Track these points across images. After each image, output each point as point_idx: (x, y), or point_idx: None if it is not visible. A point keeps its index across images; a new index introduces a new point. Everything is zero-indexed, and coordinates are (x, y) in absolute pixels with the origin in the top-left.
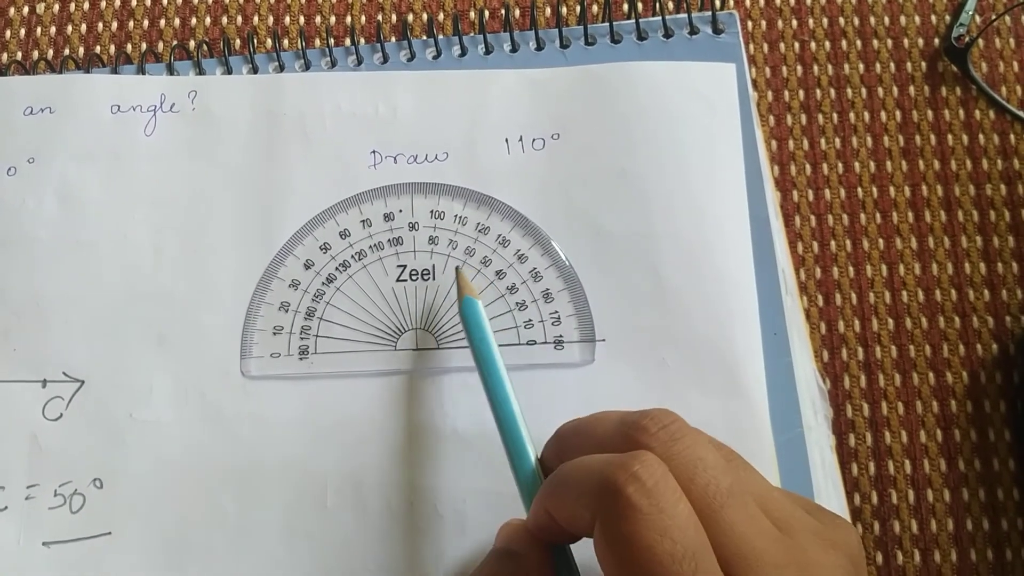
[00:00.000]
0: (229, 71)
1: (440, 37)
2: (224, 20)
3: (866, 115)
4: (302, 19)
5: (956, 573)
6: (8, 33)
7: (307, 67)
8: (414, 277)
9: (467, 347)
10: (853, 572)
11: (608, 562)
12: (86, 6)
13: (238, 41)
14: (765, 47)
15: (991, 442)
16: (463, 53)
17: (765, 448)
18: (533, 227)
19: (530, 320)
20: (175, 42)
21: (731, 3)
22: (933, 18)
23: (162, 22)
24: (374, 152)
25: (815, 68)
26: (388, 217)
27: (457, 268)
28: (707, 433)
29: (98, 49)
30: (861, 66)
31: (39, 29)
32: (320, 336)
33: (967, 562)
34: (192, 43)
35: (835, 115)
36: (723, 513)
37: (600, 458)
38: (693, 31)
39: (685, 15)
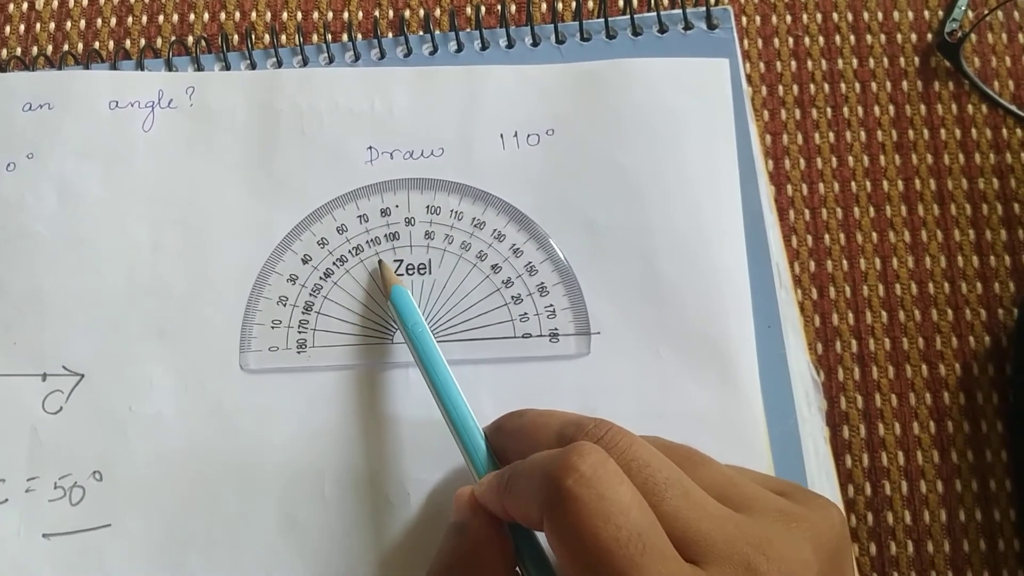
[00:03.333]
0: (227, 67)
1: (436, 33)
2: (222, 16)
3: (859, 110)
4: (300, 15)
5: (949, 564)
6: (8, 29)
7: (305, 63)
8: (410, 271)
9: (466, 340)
10: (819, 547)
11: (560, 554)
12: (85, 2)
13: (236, 37)
14: (759, 42)
15: (983, 433)
16: (459, 49)
17: (759, 439)
18: (528, 222)
19: (525, 314)
20: (173, 38)
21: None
22: (926, 13)
23: (160, 18)
24: (371, 148)
25: (809, 63)
26: (385, 212)
27: (380, 260)
28: (660, 437)
29: (97, 45)
30: (855, 61)
31: (38, 25)
32: (318, 330)
33: (960, 552)
34: (190, 39)
35: (829, 110)
36: (664, 505)
37: (544, 454)
38: (687, 27)
39: (680, 11)
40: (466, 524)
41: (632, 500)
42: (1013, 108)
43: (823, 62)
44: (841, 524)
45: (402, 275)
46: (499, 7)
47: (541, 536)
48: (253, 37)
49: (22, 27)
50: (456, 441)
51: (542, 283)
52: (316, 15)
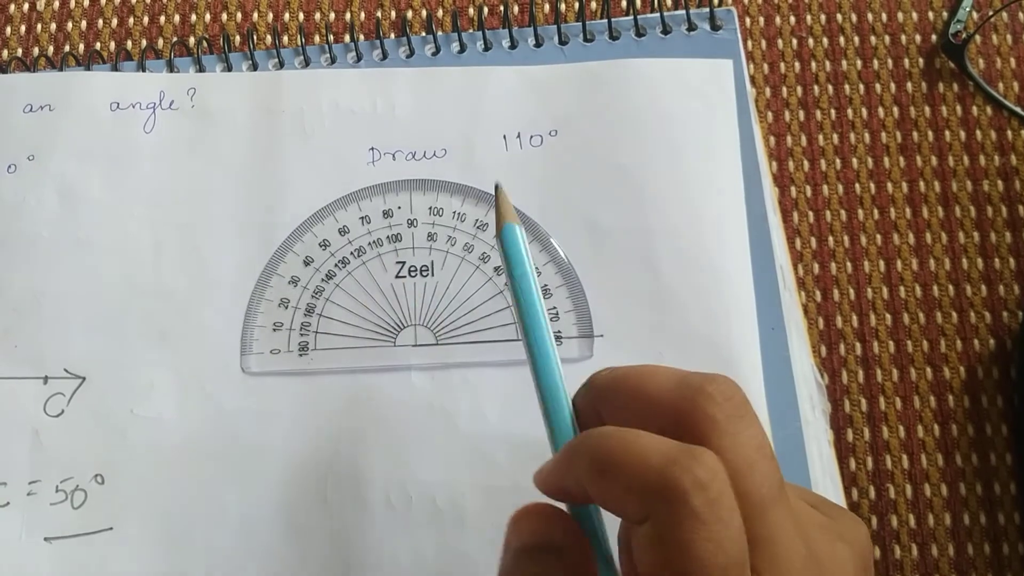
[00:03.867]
0: (229, 68)
1: (439, 34)
2: (224, 17)
3: (864, 111)
4: (302, 16)
5: (954, 567)
6: (8, 30)
7: (307, 64)
8: (413, 273)
9: (469, 343)
10: (861, 565)
11: (652, 560)
12: (86, 3)
13: (238, 38)
14: (763, 43)
15: (988, 437)
16: (462, 50)
17: None
18: (531, 224)
19: None
20: (175, 39)
21: (729, 0)
22: (930, 14)
23: (162, 19)
24: (373, 149)
25: (813, 64)
26: (387, 214)
27: (497, 185)
28: None
29: (98, 46)
30: (859, 62)
31: (39, 26)
32: (320, 332)
33: (964, 556)
34: (192, 40)
35: (833, 111)
36: (770, 514)
37: (657, 448)
38: (691, 27)
39: (683, 11)
40: (559, 547)
41: (740, 530)
42: (1018, 110)
43: (827, 63)
44: (869, 539)
45: (404, 277)
46: (502, 8)
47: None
48: (255, 38)
49: (23, 28)
50: (542, 411)
51: (545, 285)
52: (318, 16)
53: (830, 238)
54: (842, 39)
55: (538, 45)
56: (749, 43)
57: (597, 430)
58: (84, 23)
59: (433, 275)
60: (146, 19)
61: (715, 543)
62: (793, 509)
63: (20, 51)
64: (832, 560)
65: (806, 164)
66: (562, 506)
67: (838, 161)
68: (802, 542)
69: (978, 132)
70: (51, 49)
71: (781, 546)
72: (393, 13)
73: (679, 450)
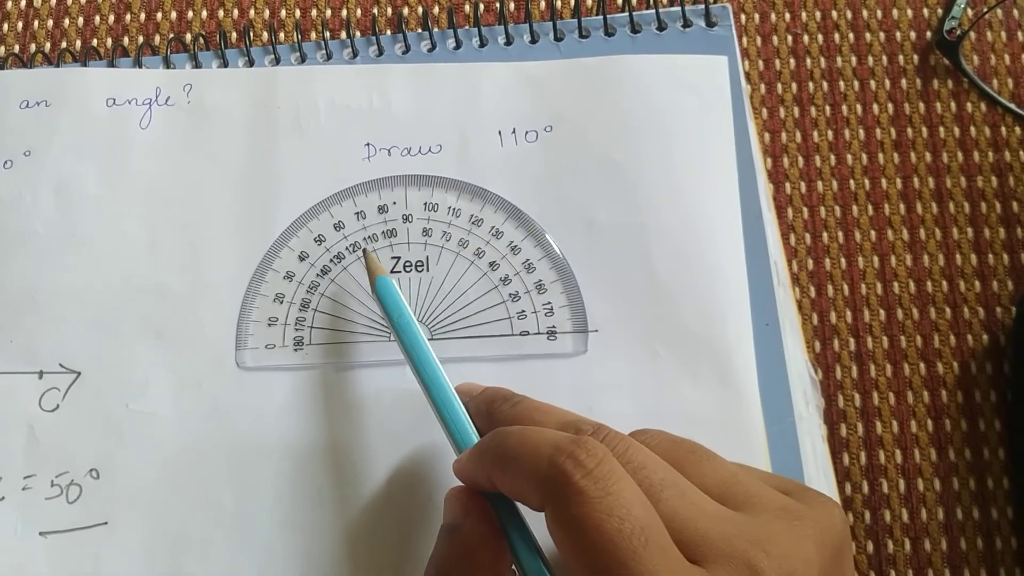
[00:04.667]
0: (225, 64)
1: (435, 30)
2: (220, 13)
3: (858, 108)
4: (298, 12)
5: (947, 562)
6: (5, 26)
7: (303, 60)
8: (408, 269)
9: (463, 338)
10: (821, 545)
11: (562, 542)
12: None
13: (234, 34)
14: (758, 40)
15: (981, 432)
16: (458, 46)
17: (757, 437)
18: (526, 219)
19: (523, 311)
20: (172, 35)
21: None
22: (925, 11)
23: (159, 15)
24: (368, 144)
25: (808, 61)
26: (382, 209)
27: (364, 250)
28: (664, 432)
29: (95, 42)
30: (853, 59)
31: (36, 22)
32: (315, 327)
33: (957, 551)
34: (189, 36)
35: (828, 108)
36: (661, 505)
37: (546, 440)
38: (686, 24)
39: (679, 8)
40: (459, 525)
41: (634, 496)
42: (1012, 106)
43: (822, 60)
44: (843, 522)
45: (399, 272)
46: (497, 5)
47: (533, 523)
48: (251, 34)
49: (20, 24)
50: (438, 418)
51: (540, 280)
52: (314, 12)
53: (824, 234)
54: (837, 36)
55: (533, 41)
56: (744, 40)
57: (501, 430)
58: (81, 20)
59: (428, 270)
60: (143, 15)
61: (606, 512)
62: (695, 498)
63: (17, 47)
64: (782, 537)
65: (800, 160)
66: None
67: (832, 157)
68: (722, 522)
69: (972, 129)
70: (48, 46)
71: (689, 529)
72: (389, 10)
73: (567, 440)
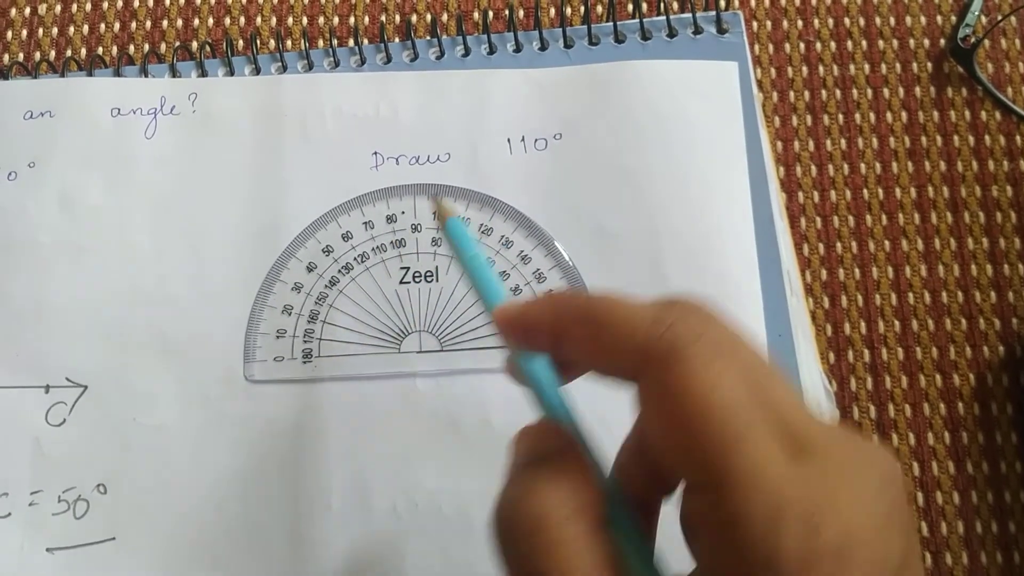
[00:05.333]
0: (231, 72)
1: (444, 37)
2: (227, 21)
3: (872, 116)
4: (305, 20)
5: (968, 575)
6: (10, 34)
7: (310, 68)
8: (417, 279)
9: (474, 349)
10: (884, 481)
11: (656, 416)
12: (88, 7)
13: (241, 42)
14: (770, 47)
15: (999, 445)
16: (466, 53)
17: None
18: (536, 228)
19: None
20: (178, 43)
21: (736, 3)
22: (939, 19)
23: (164, 23)
24: (376, 153)
25: (820, 69)
26: (391, 219)
27: (435, 196)
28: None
29: (100, 50)
30: (867, 67)
31: (40, 30)
32: (323, 339)
33: (978, 565)
34: (195, 44)
35: (841, 116)
36: (765, 392)
37: (644, 307)
38: (697, 31)
39: (689, 15)
40: (557, 454)
41: (740, 375)
42: None
43: (835, 67)
44: (895, 462)
45: (408, 282)
46: (507, 12)
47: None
48: (258, 42)
49: (24, 32)
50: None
51: (551, 290)
52: (322, 20)
53: (838, 244)
54: (850, 43)
55: (543, 48)
56: (756, 47)
57: (582, 291)
58: (86, 27)
59: (437, 280)
60: (148, 23)
61: (711, 387)
62: (794, 390)
63: (21, 56)
64: (872, 450)
65: (814, 169)
66: None
67: (846, 166)
68: (821, 423)
69: (987, 137)
70: (52, 54)
71: (792, 417)
72: (397, 17)
73: (668, 307)
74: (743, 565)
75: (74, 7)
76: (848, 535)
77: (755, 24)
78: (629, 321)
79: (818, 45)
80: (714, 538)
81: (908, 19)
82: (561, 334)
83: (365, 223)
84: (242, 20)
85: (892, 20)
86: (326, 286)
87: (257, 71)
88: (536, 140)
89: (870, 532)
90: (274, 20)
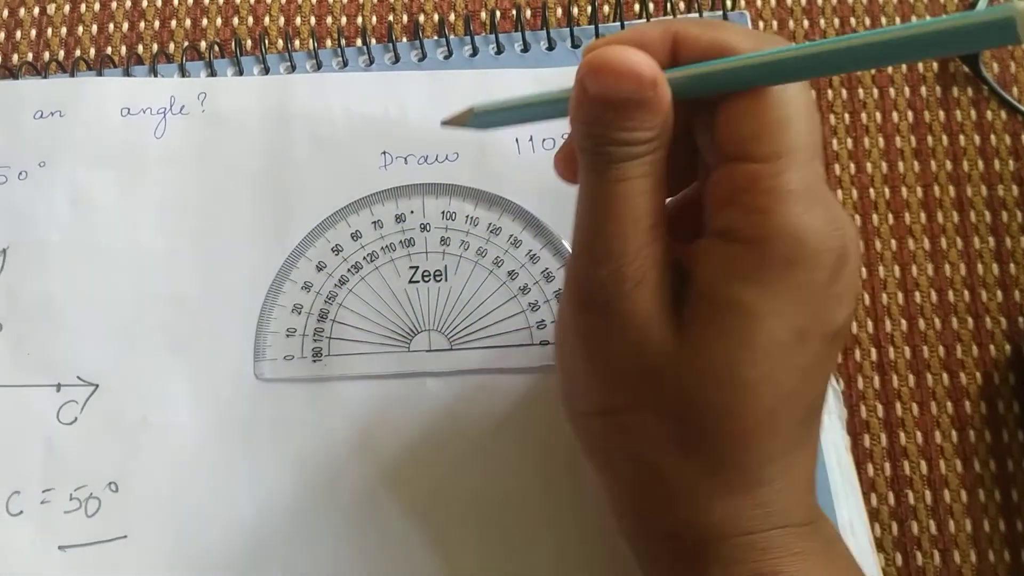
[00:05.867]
0: (240, 72)
1: (452, 37)
2: (235, 21)
3: (878, 116)
4: (313, 20)
5: (976, 574)
6: (19, 34)
7: (319, 67)
8: (426, 278)
9: (483, 348)
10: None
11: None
12: (96, 7)
13: (249, 42)
14: None
15: (1005, 443)
16: (474, 53)
17: None
18: (544, 227)
19: (543, 320)
20: (186, 43)
21: (742, 3)
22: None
23: (173, 23)
24: (384, 153)
25: None
26: (399, 218)
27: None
28: None
29: (109, 50)
30: None
31: (49, 30)
32: (333, 338)
33: (986, 563)
34: (204, 44)
35: (847, 116)
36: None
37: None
38: None
39: (696, 15)
40: (662, 137)
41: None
42: None
43: None
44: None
45: (418, 282)
46: (514, 11)
47: None
48: (267, 42)
49: (33, 32)
50: None
51: (559, 289)
52: (330, 20)
53: None
54: None
55: (550, 48)
56: None
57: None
58: (95, 27)
59: (447, 280)
60: (157, 23)
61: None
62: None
63: (31, 55)
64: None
65: None
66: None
67: (852, 166)
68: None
69: (993, 137)
70: (62, 53)
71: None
72: (405, 17)
73: None
74: (779, 229)
75: (83, 7)
76: (849, 248)
77: (761, 24)
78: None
79: None
80: (760, 203)
81: (913, 19)
82: (676, 39)
83: (374, 222)
84: (250, 20)
85: (897, 20)
86: (336, 285)
87: (266, 71)
88: (544, 140)
89: (856, 262)
90: (282, 20)
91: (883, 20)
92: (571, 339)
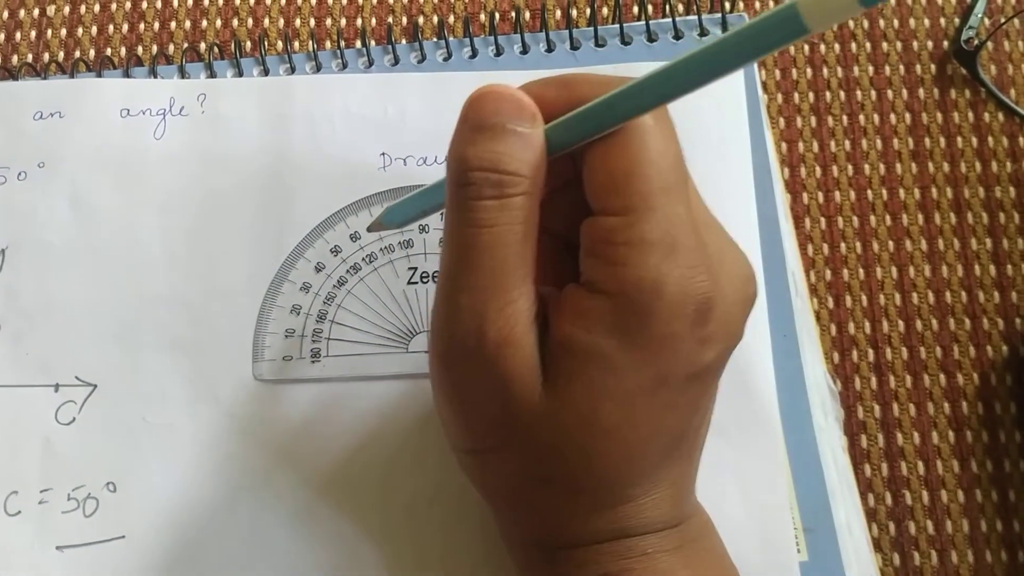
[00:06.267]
0: (240, 73)
1: (451, 39)
2: (235, 23)
3: (876, 117)
4: (312, 21)
5: (973, 574)
6: (19, 35)
7: (318, 69)
8: (425, 279)
9: None
10: (746, 279)
11: (609, 150)
12: (96, 8)
13: (249, 43)
14: None
15: (1002, 444)
16: (473, 55)
17: (776, 448)
18: None
19: None
20: (186, 45)
21: (741, 5)
22: (942, 21)
23: (173, 24)
24: (384, 154)
25: (824, 71)
26: None
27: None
28: None
29: (109, 52)
30: (871, 68)
31: (49, 31)
32: (332, 339)
33: (983, 563)
34: (203, 45)
35: (845, 117)
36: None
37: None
38: (703, 33)
39: (695, 17)
40: (532, 182)
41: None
42: None
43: (839, 69)
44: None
45: (416, 283)
46: (513, 14)
47: None
48: (266, 43)
49: (33, 33)
50: None
51: None
52: (329, 21)
53: (842, 244)
54: (854, 45)
55: (550, 50)
56: None
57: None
58: (95, 29)
59: None
60: (157, 24)
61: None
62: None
63: (30, 56)
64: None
65: (818, 170)
66: None
67: (850, 167)
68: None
69: (990, 138)
70: (61, 55)
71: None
72: (404, 19)
73: None
74: (635, 282)
75: (83, 8)
76: (715, 292)
77: None
78: (601, 84)
79: (822, 47)
80: (616, 255)
81: (912, 21)
82: (539, 96)
83: None
84: (250, 22)
85: (896, 22)
86: (334, 286)
87: (265, 72)
88: None
89: (730, 301)
90: (282, 22)
91: (881, 22)
92: (437, 387)
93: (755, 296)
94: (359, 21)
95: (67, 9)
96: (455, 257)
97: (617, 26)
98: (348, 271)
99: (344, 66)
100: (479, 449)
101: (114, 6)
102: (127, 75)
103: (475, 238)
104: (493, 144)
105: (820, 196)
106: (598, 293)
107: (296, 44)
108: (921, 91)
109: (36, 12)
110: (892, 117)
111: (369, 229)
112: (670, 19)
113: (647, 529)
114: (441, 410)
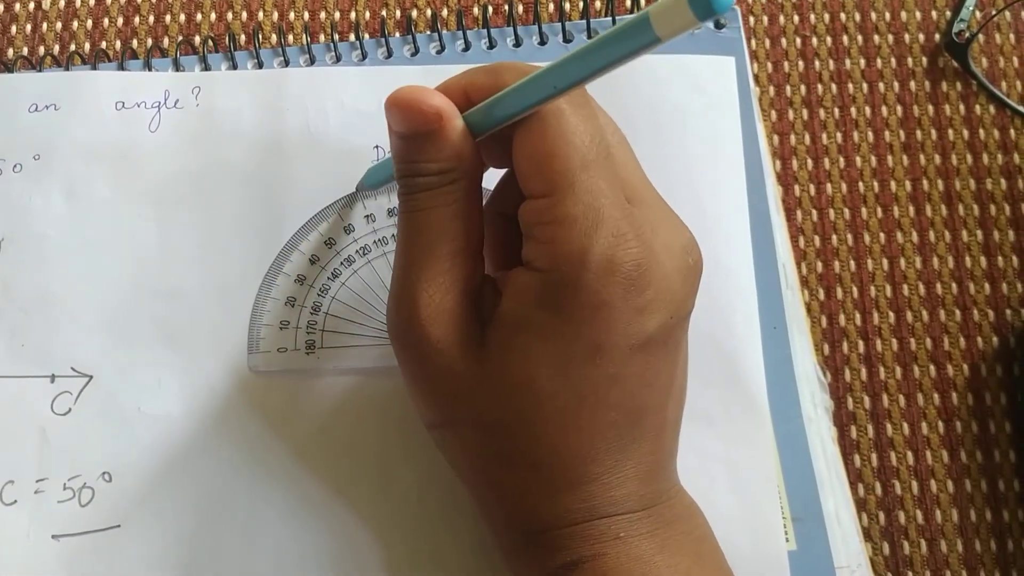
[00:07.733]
0: (234, 66)
1: (444, 32)
2: (229, 16)
3: (867, 110)
4: (307, 15)
5: (963, 563)
6: (14, 29)
7: (312, 62)
8: None
9: None
10: (687, 248)
11: (531, 137)
12: (92, 2)
13: (243, 37)
14: (767, 42)
15: (992, 434)
16: (467, 48)
17: (765, 438)
18: None
19: None
20: (181, 38)
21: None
22: (934, 13)
23: (167, 18)
24: (377, 147)
25: (816, 63)
26: (392, 212)
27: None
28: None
29: (104, 45)
30: (862, 61)
31: (45, 25)
32: (327, 331)
33: (972, 552)
34: (198, 39)
35: (836, 110)
36: (614, 149)
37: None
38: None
39: None
40: (458, 169)
41: (600, 131)
42: (1021, 109)
43: (831, 62)
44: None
45: None
46: (506, 7)
47: None
48: (260, 37)
49: (28, 27)
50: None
51: None
52: (323, 15)
53: (833, 236)
54: (845, 38)
55: (542, 43)
56: (753, 42)
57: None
58: (90, 22)
59: None
60: (151, 18)
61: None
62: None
63: (26, 50)
64: (658, 224)
65: (810, 163)
66: None
67: (842, 160)
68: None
69: (981, 131)
70: (57, 48)
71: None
72: (398, 12)
73: None
74: (562, 257)
75: (78, 1)
76: (648, 259)
77: (752, 19)
78: (522, 71)
79: (814, 40)
80: (544, 234)
81: (903, 14)
82: (467, 88)
83: (367, 216)
84: (244, 15)
85: (887, 15)
86: (329, 278)
87: (260, 65)
88: None
89: (667, 268)
90: (276, 15)
91: (872, 15)
92: (398, 364)
93: (698, 265)
94: (353, 14)
95: (62, 2)
96: (399, 240)
97: (609, 19)
98: (342, 263)
99: (338, 59)
100: (437, 423)
101: (109, 0)
102: (122, 68)
103: (412, 221)
104: (408, 151)
105: (812, 188)
106: (535, 271)
107: (290, 37)
108: (912, 84)
109: (32, 5)
110: (884, 109)
111: (356, 188)
112: None
113: (617, 510)
114: (404, 384)
